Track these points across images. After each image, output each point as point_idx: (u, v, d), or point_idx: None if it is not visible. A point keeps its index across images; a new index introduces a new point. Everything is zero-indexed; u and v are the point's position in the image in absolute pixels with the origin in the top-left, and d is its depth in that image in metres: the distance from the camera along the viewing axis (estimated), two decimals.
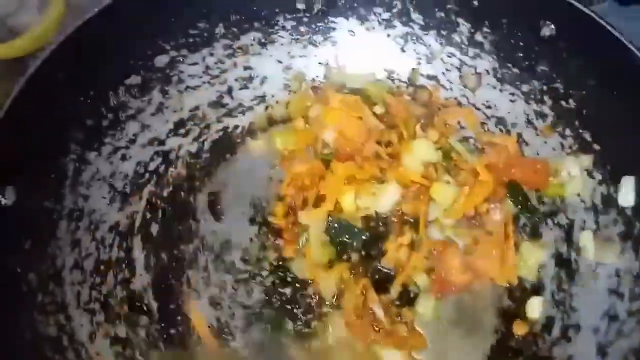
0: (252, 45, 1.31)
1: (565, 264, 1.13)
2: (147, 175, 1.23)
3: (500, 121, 1.27)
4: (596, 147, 1.13)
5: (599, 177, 1.12)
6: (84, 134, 1.13)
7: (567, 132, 1.18)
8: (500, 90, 1.26)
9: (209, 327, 1.12)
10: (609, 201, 1.09)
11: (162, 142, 1.26)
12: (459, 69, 1.30)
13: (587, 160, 1.14)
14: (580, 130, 1.16)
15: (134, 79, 1.20)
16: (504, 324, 1.11)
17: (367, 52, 1.34)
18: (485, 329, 1.11)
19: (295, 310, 1.14)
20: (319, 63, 1.36)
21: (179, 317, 1.13)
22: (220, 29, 1.26)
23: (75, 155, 1.12)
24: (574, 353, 1.04)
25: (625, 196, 1.06)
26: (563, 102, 1.17)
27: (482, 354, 1.09)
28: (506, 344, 1.09)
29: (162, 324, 1.12)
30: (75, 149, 1.12)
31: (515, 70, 1.23)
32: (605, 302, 1.04)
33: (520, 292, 1.14)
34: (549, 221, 1.17)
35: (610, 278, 1.05)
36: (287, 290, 1.16)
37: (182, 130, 1.28)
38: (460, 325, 1.11)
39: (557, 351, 1.06)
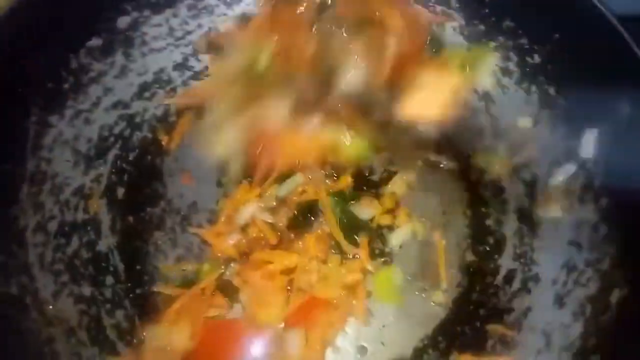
0: (217, 5, 1.29)
1: (527, 218, 1.13)
2: (112, 138, 1.22)
3: None
4: (560, 101, 1.13)
5: (562, 131, 1.12)
6: (45, 96, 1.12)
7: (533, 87, 1.17)
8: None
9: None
10: (571, 155, 1.09)
11: (126, 106, 1.25)
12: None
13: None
14: (545, 86, 1.15)
15: (96, 41, 1.18)
16: (466, 279, 1.12)
17: None
18: (449, 283, 1.11)
19: None
20: None
21: (145, 277, 1.14)
22: None
23: (36, 118, 1.11)
24: (532, 304, 1.06)
25: (587, 149, 1.06)
26: (528, 58, 1.17)
27: (445, 306, 1.10)
28: (468, 297, 1.10)
29: (129, 284, 1.12)
30: (36, 111, 1.11)
31: (482, 27, 1.22)
32: (565, 254, 1.05)
33: (483, 249, 1.14)
34: (513, 176, 1.17)
35: (570, 230, 1.06)
36: None
37: (147, 94, 1.27)
38: (425, 279, 1.12)
39: (517, 303, 1.08)
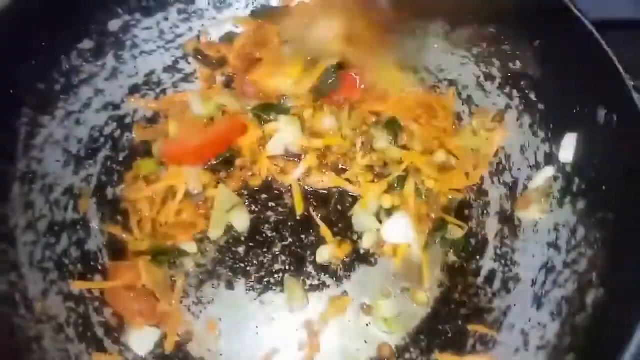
0: (207, 10, 1.32)
1: (508, 220, 1.16)
2: (102, 139, 1.24)
3: (452, 83, 1.29)
4: (540, 106, 1.16)
5: (542, 135, 1.15)
6: (36, 97, 1.14)
7: (514, 92, 1.20)
8: (452, 54, 1.28)
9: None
10: (551, 159, 1.12)
11: (117, 107, 1.27)
12: (411, 34, 1.31)
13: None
14: (526, 91, 1.18)
15: (87, 43, 1.21)
16: (448, 279, 1.14)
17: None
18: (431, 283, 1.14)
19: (248, 268, 1.17)
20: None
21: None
22: None
23: (27, 119, 1.12)
24: (512, 303, 1.08)
25: (566, 153, 1.09)
26: (510, 64, 1.19)
27: (427, 304, 1.12)
28: (450, 296, 1.13)
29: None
30: (28, 112, 1.12)
31: (465, 32, 1.24)
32: (544, 255, 1.08)
33: (465, 249, 1.17)
34: (495, 179, 1.20)
35: (550, 232, 1.09)
36: (240, 249, 1.18)
37: (137, 96, 1.29)
38: (408, 278, 1.14)
39: (497, 302, 1.10)
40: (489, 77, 1.24)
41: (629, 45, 1.22)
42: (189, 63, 1.34)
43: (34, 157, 1.13)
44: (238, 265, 1.17)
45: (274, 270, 1.17)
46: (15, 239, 1.06)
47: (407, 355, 1.09)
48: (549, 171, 1.12)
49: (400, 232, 1.13)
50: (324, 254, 1.15)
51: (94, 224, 1.18)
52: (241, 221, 1.19)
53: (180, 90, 1.33)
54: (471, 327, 1.09)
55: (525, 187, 1.16)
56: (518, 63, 1.18)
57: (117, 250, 1.18)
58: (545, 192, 1.12)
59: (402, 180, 1.18)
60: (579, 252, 1.02)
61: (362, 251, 1.18)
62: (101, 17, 1.22)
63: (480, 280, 1.14)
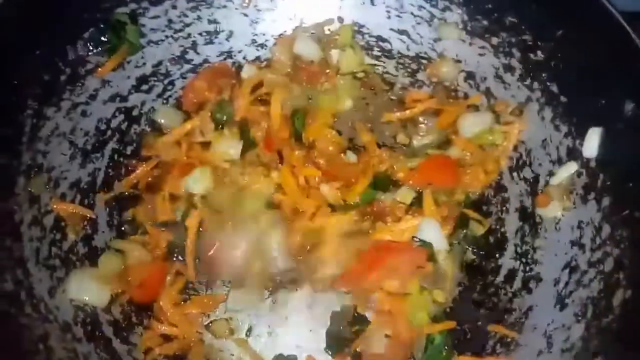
0: None
1: (528, 218, 1.13)
2: (109, 132, 1.21)
3: (470, 75, 1.25)
4: (563, 99, 1.12)
5: (565, 129, 1.11)
6: (41, 88, 1.11)
7: (535, 85, 1.16)
8: (470, 44, 1.24)
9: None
10: (574, 153, 1.08)
11: (124, 99, 1.23)
12: (429, 22, 1.27)
13: None
14: (548, 83, 1.14)
15: (94, 32, 1.17)
16: (467, 277, 1.11)
17: (335, 5, 1.31)
18: (449, 282, 1.11)
19: None
20: (287, 17, 1.33)
21: None
22: None
23: (32, 111, 1.09)
24: (534, 304, 1.06)
25: (590, 148, 1.05)
26: (531, 55, 1.16)
27: (445, 306, 1.09)
28: (469, 296, 1.10)
29: None
30: (32, 104, 1.10)
31: (485, 22, 1.21)
32: (567, 254, 1.05)
33: (485, 247, 1.13)
34: (514, 174, 1.16)
35: (573, 230, 1.06)
36: None
37: (144, 87, 1.25)
38: (427, 277, 1.10)
39: (517, 302, 1.07)
40: (509, 68, 1.20)
41: None
42: (197, 53, 1.30)
43: (39, 150, 1.10)
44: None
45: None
46: (21, 235, 1.04)
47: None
48: (572, 166, 1.09)
49: (432, 238, 1.09)
50: None
51: (102, 220, 1.15)
52: None
53: (190, 81, 1.29)
54: (491, 328, 1.06)
55: (547, 183, 1.13)
56: (540, 54, 1.14)
57: None
58: (567, 188, 1.09)
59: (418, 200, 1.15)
60: (605, 251, 0.99)
61: None
62: (107, 5, 1.18)
63: (499, 279, 1.11)
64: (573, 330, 0.96)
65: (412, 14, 1.28)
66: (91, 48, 1.16)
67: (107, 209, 1.17)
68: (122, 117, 1.23)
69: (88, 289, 1.05)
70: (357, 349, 1.04)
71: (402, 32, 1.30)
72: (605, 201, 1.02)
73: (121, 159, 1.22)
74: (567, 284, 1.03)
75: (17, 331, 0.95)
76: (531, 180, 1.15)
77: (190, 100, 1.25)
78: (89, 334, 1.04)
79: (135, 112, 1.25)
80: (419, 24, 1.28)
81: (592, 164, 1.06)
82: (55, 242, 1.08)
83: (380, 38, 1.31)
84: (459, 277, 1.12)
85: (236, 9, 1.30)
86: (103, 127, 1.21)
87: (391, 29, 1.31)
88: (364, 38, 1.32)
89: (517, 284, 1.09)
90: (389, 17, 1.30)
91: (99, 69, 1.18)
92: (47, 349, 0.97)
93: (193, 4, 1.27)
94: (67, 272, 1.07)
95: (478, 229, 1.13)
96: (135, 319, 1.09)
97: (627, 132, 1.00)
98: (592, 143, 1.06)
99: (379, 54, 1.32)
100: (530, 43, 1.15)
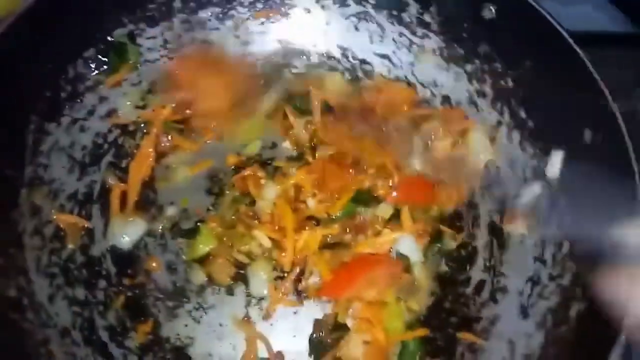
0: (209, 20, 1.35)
1: (497, 233, 1.21)
2: (105, 146, 1.27)
3: (446, 99, 1.34)
4: (530, 124, 1.21)
5: (530, 151, 1.20)
6: (44, 105, 1.17)
7: (505, 109, 1.25)
8: (446, 70, 1.33)
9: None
10: (538, 174, 1.17)
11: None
12: (409, 48, 1.36)
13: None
14: (516, 108, 1.23)
15: (92, 52, 1.24)
16: (440, 287, 1.19)
17: (322, 30, 1.39)
18: (423, 292, 1.19)
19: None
20: (277, 40, 1.41)
21: (136, 281, 1.19)
22: (177, 3, 1.30)
23: (34, 126, 1.16)
24: (500, 313, 1.14)
25: (553, 168, 1.14)
26: (502, 81, 1.25)
27: (419, 314, 1.17)
28: (441, 305, 1.18)
29: (120, 288, 1.17)
30: (35, 119, 1.16)
31: (460, 50, 1.30)
32: (530, 268, 1.13)
33: (457, 260, 1.22)
34: (484, 192, 1.25)
35: (536, 246, 1.14)
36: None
37: (141, 103, 1.32)
38: (403, 287, 1.19)
39: (485, 312, 1.15)
40: (481, 93, 1.29)
41: (617, 65, 1.30)
42: None
43: (40, 163, 1.17)
44: (237, 272, 1.21)
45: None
46: (24, 244, 1.10)
47: None
48: (536, 187, 1.17)
49: (409, 251, 1.18)
50: None
51: (98, 230, 1.21)
52: None
53: None
54: (460, 335, 1.14)
55: (514, 202, 1.21)
56: (509, 81, 1.23)
57: (120, 256, 1.20)
58: (532, 207, 1.17)
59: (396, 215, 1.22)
60: (564, 267, 1.07)
61: None
62: (107, 26, 1.25)
63: (470, 289, 1.19)
64: (534, 338, 1.05)
65: (393, 39, 1.37)
66: (93, 67, 1.22)
67: (103, 220, 1.23)
68: (118, 132, 1.30)
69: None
70: (338, 354, 1.12)
71: (383, 56, 1.38)
72: (567, 220, 1.11)
73: (116, 172, 1.28)
74: (530, 295, 1.11)
75: (20, 336, 1.01)
76: (500, 198, 1.24)
77: None
78: (86, 338, 1.10)
79: (130, 127, 1.31)
80: (399, 49, 1.37)
81: (555, 184, 1.14)
82: (55, 251, 1.14)
83: (363, 61, 1.39)
84: (432, 287, 1.20)
85: (228, 31, 1.38)
86: (100, 141, 1.27)
87: (373, 53, 1.39)
88: (348, 60, 1.40)
89: (486, 294, 1.17)
90: (371, 42, 1.38)
91: (107, 81, 1.26)
92: (48, 353, 1.03)
93: (187, 25, 1.34)
94: (65, 280, 1.14)
95: (451, 243, 1.21)
96: (129, 323, 1.14)
97: (585, 157, 1.09)
98: (555, 164, 1.15)
99: (362, 75, 1.40)
100: (500, 70, 1.24)
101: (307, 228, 1.20)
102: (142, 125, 1.31)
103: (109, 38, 1.26)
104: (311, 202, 1.23)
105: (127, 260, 1.20)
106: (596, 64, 1.08)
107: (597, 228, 0.95)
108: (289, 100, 1.33)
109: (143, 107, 1.33)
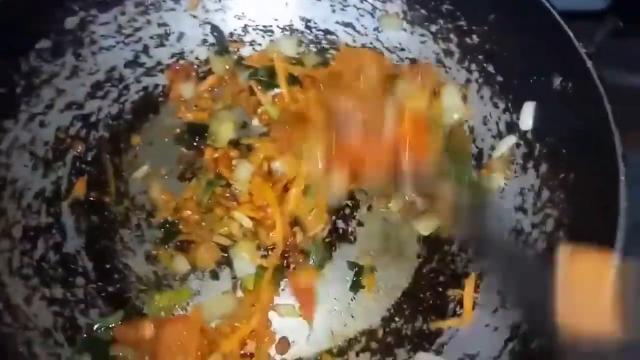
0: (164, 1, 1.30)
1: (476, 189, 1.21)
2: (68, 140, 1.22)
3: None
4: (499, 78, 1.21)
5: (502, 106, 1.20)
6: None
7: (473, 66, 1.25)
8: (411, 33, 1.32)
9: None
10: (512, 127, 1.18)
11: (80, 106, 1.25)
12: (372, 14, 1.34)
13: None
14: (484, 64, 1.23)
15: (45, 43, 1.18)
16: (425, 249, 1.19)
17: (282, 2, 1.36)
18: (410, 255, 1.19)
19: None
20: (235, 16, 1.37)
21: (115, 275, 1.15)
22: None
23: None
24: (487, 267, 1.14)
25: (526, 121, 1.15)
26: (467, 39, 1.24)
27: (408, 276, 1.17)
28: (428, 266, 1.18)
29: (99, 283, 1.13)
30: None
31: (423, 11, 1.29)
32: (512, 219, 1.14)
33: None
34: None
35: (515, 197, 1.15)
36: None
37: (100, 93, 1.27)
38: (387, 253, 1.18)
39: (473, 267, 1.15)
40: (448, 53, 1.28)
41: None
42: (150, 56, 1.33)
43: (1, 162, 1.11)
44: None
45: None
46: None
47: (392, 325, 1.13)
48: (510, 139, 1.18)
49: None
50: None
51: (69, 227, 1.17)
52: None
53: (144, 84, 1.32)
54: (450, 292, 1.14)
55: (490, 156, 1.21)
56: (475, 37, 1.23)
57: (96, 251, 1.16)
58: (508, 159, 1.18)
59: None
60: (545, 213, 1.08)
61: (340, 231, 1.21)
62: (57, 16, 1.19)
63: (455, 248, 1.19)
64: None
65: (355, 7, 1.35)
66: (48, 59, 1.17)
67: (74, 216, 1.18)
68: (80, 124, 1.25)
69: None
70: None
71: (347, 24, 1.36)
72: (543, 168, 1.12)
73: (83, 166, 1.23)
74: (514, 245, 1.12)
75: (1, 339, 0.96)
76: (475, 154, 1.24)
77: None
78: (69, 338, 1.06)
79: (92, 119, 1.26)
80: (362, 16, 1.35)
81: (529, 135, 1.15)
82: (26, 252, 1.09)
83: (327, 31, 1.37)
84: (417, 249, 1.20)
85: (184, 10, 1.33)
86: (62, 135, 1.22)
87: (337, 22, 1.37)
88: (311, 32, 1.38)
89: (471, 250, 1.18)
90: (333, 11, 1.36)
91: None
92: (32, 355, 0.99)
93: (142, 8, 1.29)
94: (40, 280, 1.09)
95: None
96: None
97: (556, 105, 1.10)
98: (527, 116, 1.15)
99: (327, 46, 1.38)
100: (465, 28, 1.23)
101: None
102: (104, 116, 1.27)
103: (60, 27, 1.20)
104: (277, 165, 1.20)
105: (103, 255, 1.16)
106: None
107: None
108: (253, 75, 1.30)
109: (103, 97, 1.28)
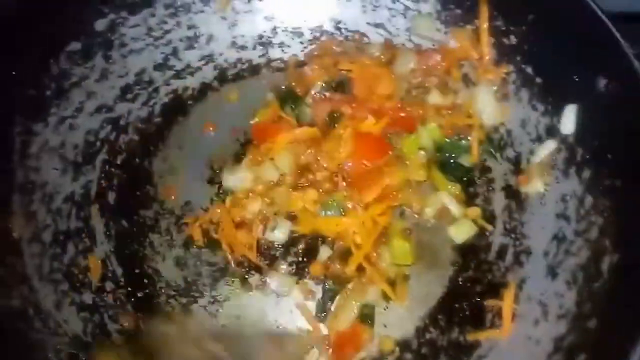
0: (194, 3, 1.29)
1: (514, 195, 1.17)
2: (98, 143, 1.22)
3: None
4: (538, 80, 1.17)
5: (541, 109, 1.16)
6: (28, 105, 1.11)
7: (511, 67, 1.21)
8: (445, 33, 1.28)
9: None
10: (552, 131, 1.14)
11: (110, 109, 1.24)
12: (404, 14, 1.31)
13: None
14: (523, 65, 1.19)
15: (75, 45, 1.18)
16: (460, 257, 1.15)
17: (312, 4, 1.34)
18: (444, 263, 1.15)
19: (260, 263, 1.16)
20: (265, 18, 1.35)
21: (145, 280, 1.13)
22: None
23: (21, 127, 1.10)
24: (526, 276, 1.10)
25: (567, 124, 1.10)
26: (505, 39, 1.20)
27: (442, 285, 1.13)
28: (463, 274, 1.14)
29: (129, 289, 1.12)
30: (20, 120, 1.10)
31: (458, 10, 1.25)
32: (554, 226, 1.09)
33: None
34: (497, 155, 1.21)
35: (557, 203, 1.10)
36: None
37: (129, 96, 1.26)
38: (421, 260, 1.15)
39: (511, 276, 1.11)
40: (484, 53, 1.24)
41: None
42: (179, 59, 1.31)
43: (31, 166, 1.11)
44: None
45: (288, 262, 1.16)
46: (22, 252, 1.04)
47: (427, 336, 1.10)
48: (551, 144, 1.14)
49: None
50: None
51: (99, 231, 1.16)
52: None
53: (174, 87, 1.30)
54: (488, 303, 1.10)
55: (529, 161, 1.17)
56: (513, 38, 1.19)
57: (126, 256, 1.15)
58: (549, 164, 1.14)
59: None
60: (589, 221, 1.04)
61: None
62: (87, 18, 1.19)
63: (492, 255, 1.15)
64: (566, 297, 1.01)
65: (386, 7, 1.32)
66: (78, 62, 1.16)
67: (104, 220, 1.17)
68: (109, 127, 1.24)
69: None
70: None
71: (378, 25, 1.33)
72: (586, 174, 1.07)
73: (112, 169, 1.22)
74: (556, 254, 1.07)
75: (29, 346, 0.95)
76: (514, 159, 1.20)
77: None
78: (100, 344, 1.05)
79: (122, 122, 1.25)
80: (394, 16, 1.32)
81: (570, 139, 1.11)
82: (56, 256, 1.09)
83: (357, 32, 1.34)
84: (453, 256, 1.16)
85: (214, 12, 1.32)
86: (92, 139, 1.21)
87: (367, 23, 1.34)
88: (342, 33, 1.35)
89: (509, 258, 1.13)
90: (364, 12, 1.33)
91: None
92: None
93: (171, 10, 1.28)
94: (71, 285, 1.08)
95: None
96: (143, 325, 1.09)
97: (601, 107, 1.05)
98: (568, 120, 1.11)
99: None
100: (503, 28, 1.19)
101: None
102: (133, 119, 1.26)
103: (90, 29, 1.19)
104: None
105: (133, 260, 1.14)
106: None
107: None
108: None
109: (132, 100, 1.27)
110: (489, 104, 1.21)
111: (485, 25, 1.20)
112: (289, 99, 1.26)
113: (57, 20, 1.14)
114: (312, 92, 1.26)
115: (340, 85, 1.27)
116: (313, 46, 1.34)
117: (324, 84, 1.27)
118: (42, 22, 1.11)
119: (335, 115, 1.21)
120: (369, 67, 1.25)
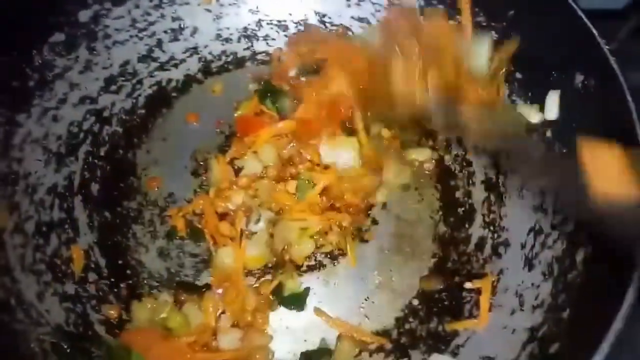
0: None
1: (493, 188, 1.19)
2: (81, 135, 1.22)
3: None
4: (517, 75, 1.18)
5: (521, 103, 1.18)
6: (11, 95, 1.11)
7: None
8: None
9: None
10: (531, 125, 1.15)
11: (94, 101, 1.24)
12: (388, 10, 1.31)
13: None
14: None
15: (58, 36, 1.18)
16: (440, 248, 1.17)
17: None
18: (424, 254, 1.17)
19: None
20: (250, 10, 1.36)
21: (128, 271, 1.14)
22: None
23: (3, 118, 1.09)
24: (504, 267, 1.12)
25: (551, 110, 1.11)
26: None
27: (422, 276, 1.15)
28: (443, 266, 1.16)
29: (112, 279, 1.12)
30: (3, 111, 1.09)
31: (440, 6, 1.26)
32: (531, 219, 1.11)
33: (454, 219, 1.20)
34: (478, 149, 1.23)
35: (535, 196, 1.12)
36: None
37: (113, 87, 1.26)
38: (401, 252, 1.16)
39: (489, 267, 1.13)
40: None
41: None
42: (163, 51, 1.32)
43: (14, 157, 1.11)
44: None
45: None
46: (4, 242, 1.04)
47: (407, 326, 1.11)
48: (531, 137, 1.15)
49: None
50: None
51: (82, 222, 1.16)
52: None
53: (158, 79, 1.31)
54: (466, 293, 1.12)
55: (508, 155, 1.18)
56: (493, 34, 1.20)
57: (109, 247, 1.15)
58: (528, 157, 1.15)
59: None
60: (566, 213, 1.06)
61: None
62: (70, 8, 1.19)
63: (471, 247, 1.17)
64: (542, 288, 1.03)
65: (370, 1, 1.33)
66: (62, 53, 1.16)
67: (87, 211, 1.18)
68: (93, 119, 1.24)
69: None
70: None
71: (362, 19, 1.34)
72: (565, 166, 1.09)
73: (95, 161, 1.22)
74: (533, 246, 1.09)
75: (13, 337, 0.95)
76: (494, 153, 1.21)
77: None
78: (82, 334, 1.05)
79: (106, 113, 1.26)
80: (377, 11, 1.33)
81: (549, 134, 1.12)
82: (39, 247, 1.09)
83: (342, 26, 1.35)
84: (433, 248, 1.18)
85: (198, 5, 1.32)
86: (75, 130, 1.21)
87: (352, 17, 1.35)
88: (326, 27, 1.36)
89: (487, 250, 1.16)
90: (349, 6, 1.34)
91: None
92: (44, 352, 0.98)
93: (156, 2, 1.28)
94: (54, 276, 1.08)
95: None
96: (125, 315, 1.09)
97: (577, 101, 1.07)
98: (552, 106, 1.12)
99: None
100: (484, 24, 1.21)
101: None
102: (117, 111, 1.26)
103: (74, 21, 1.19)
104: None
105: (116, 251, 1.15)
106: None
107: None
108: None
109: (116, 92, 1.27)
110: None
111: (468, 22, 1.21)
112: (268, 92, 1.26)
113: (41, 10, 1.13)
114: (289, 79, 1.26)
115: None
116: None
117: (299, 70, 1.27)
118: (25, 12, 1.10)
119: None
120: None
